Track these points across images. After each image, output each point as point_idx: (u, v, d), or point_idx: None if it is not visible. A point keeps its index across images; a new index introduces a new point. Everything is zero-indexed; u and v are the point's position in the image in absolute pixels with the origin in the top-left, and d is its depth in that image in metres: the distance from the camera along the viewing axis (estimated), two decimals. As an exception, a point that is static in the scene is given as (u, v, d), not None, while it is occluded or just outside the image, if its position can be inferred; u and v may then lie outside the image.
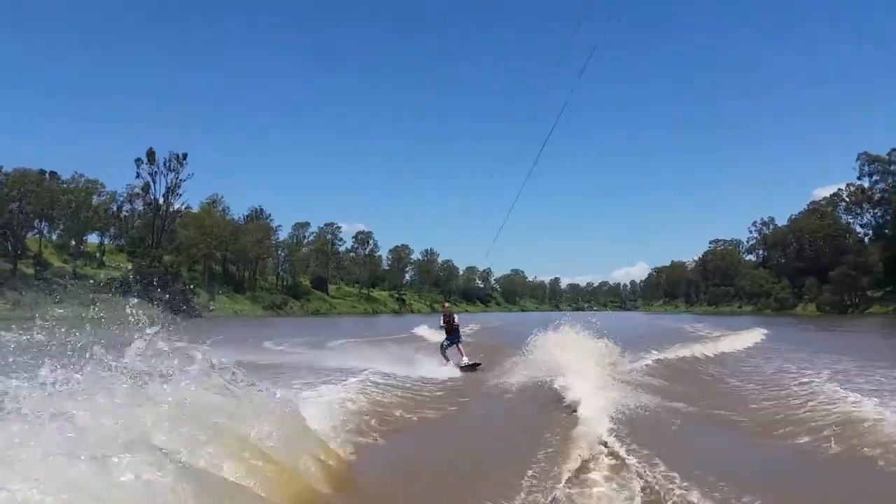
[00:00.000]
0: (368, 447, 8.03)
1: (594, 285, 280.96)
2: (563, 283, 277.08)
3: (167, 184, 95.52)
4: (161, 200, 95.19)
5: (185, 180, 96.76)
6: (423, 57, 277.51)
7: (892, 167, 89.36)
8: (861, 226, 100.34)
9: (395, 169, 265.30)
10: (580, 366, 12.53)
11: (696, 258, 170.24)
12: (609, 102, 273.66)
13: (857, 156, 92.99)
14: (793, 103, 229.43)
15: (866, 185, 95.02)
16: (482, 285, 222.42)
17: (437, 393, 13.21)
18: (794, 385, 12.88)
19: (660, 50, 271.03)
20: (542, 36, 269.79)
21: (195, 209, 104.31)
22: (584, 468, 6.56)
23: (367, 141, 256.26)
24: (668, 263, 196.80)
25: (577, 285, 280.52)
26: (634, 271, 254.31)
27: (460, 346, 19.04)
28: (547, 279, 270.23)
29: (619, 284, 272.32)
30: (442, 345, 19.43)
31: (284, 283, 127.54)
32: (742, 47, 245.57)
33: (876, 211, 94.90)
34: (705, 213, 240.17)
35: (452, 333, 19.29)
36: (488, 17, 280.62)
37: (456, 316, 19.78)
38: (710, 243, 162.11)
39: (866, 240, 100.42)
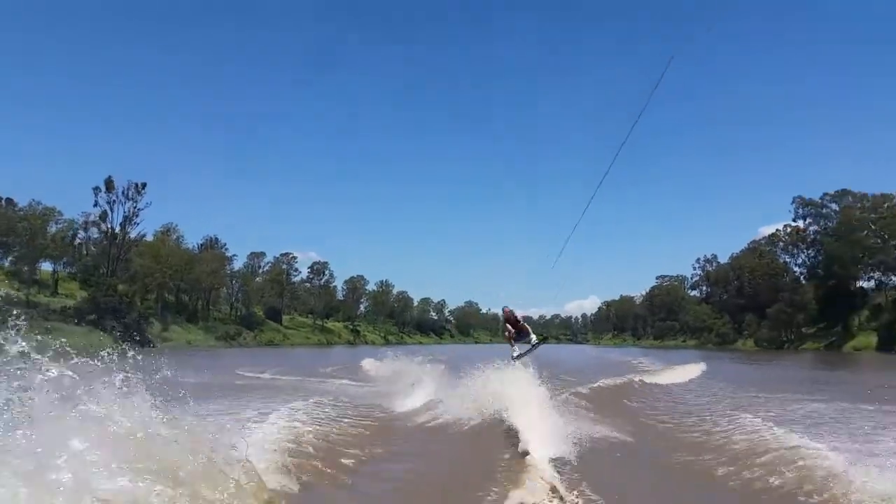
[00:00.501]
0: (305, 486, 7.98)
1: (546, 318, 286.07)
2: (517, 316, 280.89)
3: (125, 212, 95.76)
4: (118, 229, 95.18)
5: (142, 209, 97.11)
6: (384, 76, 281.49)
7: (824, 210, 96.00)
8: (797, 265, 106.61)
9: (354, 199, 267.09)
10: (523, 404, 12.31)
11: (643, 293, 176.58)
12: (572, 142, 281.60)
13: (793, 199, 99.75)
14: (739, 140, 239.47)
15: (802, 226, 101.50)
16: (436, 317, 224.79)
17: (375, 427, 13.18)
18: (729, 425, 13.31)
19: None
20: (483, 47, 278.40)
21: (151, 238, 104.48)
22: None
23: (325, 168, 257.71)
24: (618, 297, 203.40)
25: (530, 318, 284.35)
26: (587, 304, 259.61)
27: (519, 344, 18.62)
28: (500, 311, 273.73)
29: (570, 317, 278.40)
30: (513, 354, 18.63)
31: (238, 314, 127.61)
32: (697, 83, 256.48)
33: (809, 251, 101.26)
34: (656, 246, 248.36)
35: (520, 335, 18.84)
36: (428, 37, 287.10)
37: (519, 313, 19.34)
38: (656, 279, 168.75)
39: (802, 278, 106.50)
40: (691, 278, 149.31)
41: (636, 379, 26.12)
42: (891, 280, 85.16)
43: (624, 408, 18.00)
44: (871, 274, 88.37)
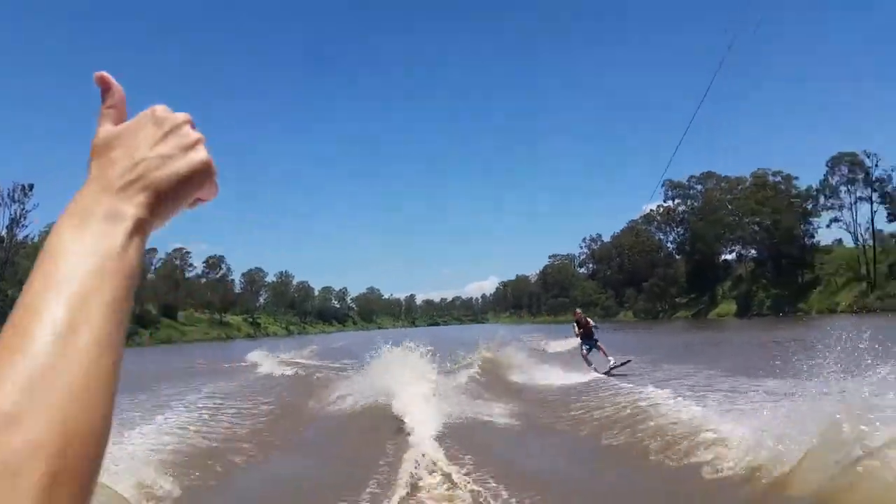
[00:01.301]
0: (191, 489, 7.88)
1: (448, 300, 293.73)
2: (419, 300, 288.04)
3: (11, 215, 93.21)
4: (4, 232, 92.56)
5: (30, 211, 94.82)
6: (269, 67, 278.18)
7: (691, 191, 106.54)
8: (670, 242, 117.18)
9: (246, 190, 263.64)
10: (409, 384, 12.76)
11: (537, 272, 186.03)
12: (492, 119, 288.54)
13: (663, 182, 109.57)
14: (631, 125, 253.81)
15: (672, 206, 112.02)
16: (338, 305, 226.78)
17: (265, 421, 13.16)
18: (596, 388, 14.83)
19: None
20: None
21: (38, 239, 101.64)
22: (416, 491, 6.98)
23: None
24: (514, 277, 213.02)
25: (433, 301, 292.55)
26: (487, 285, 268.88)
27: (601, 345, 19.71)
28: (402, 296, 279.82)
29: (471, 298, 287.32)
30: (581, 350, 20.02)
31: (133, 313, 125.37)
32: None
33: (679, 229, 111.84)
34: (551, 225, 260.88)
35: (589, 337, 19.97)
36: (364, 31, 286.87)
37: (590, 320, 20.51)
38: (549, 258, 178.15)
39: (675, 254, 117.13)
40: (579, 256, 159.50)
41: (522, 354, 26.59)
42: (749, 253, 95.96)
43: (507, 382, 18.95)
44: (732, 248, 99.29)
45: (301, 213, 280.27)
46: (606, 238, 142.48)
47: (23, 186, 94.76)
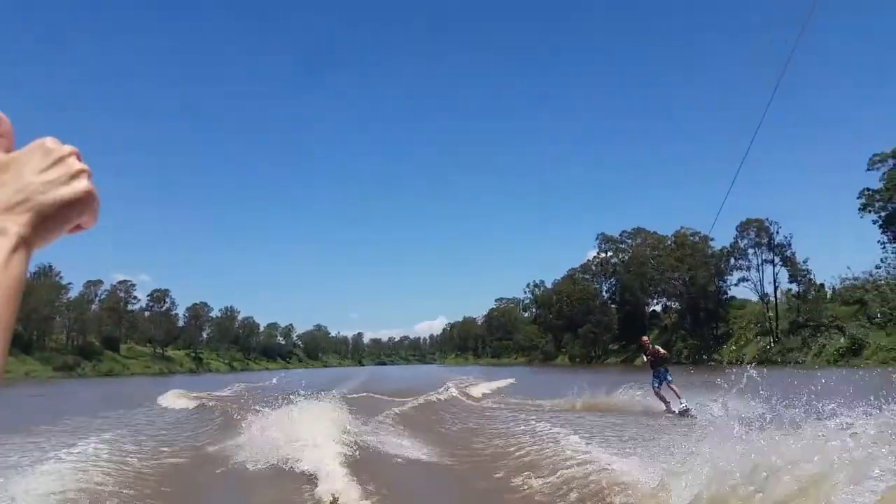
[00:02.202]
0: None
1: (395, 339, 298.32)
2: (367, 338, 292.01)
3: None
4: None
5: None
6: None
7: (622, 245, 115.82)
8: (605, 291, 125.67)
9: (191, 222, 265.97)
10: (319, 439, 11.94)
11: (484, 314, 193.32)
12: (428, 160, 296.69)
13: (597, 235, 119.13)
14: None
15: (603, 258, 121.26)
16: (283, 342, 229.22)
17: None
18: (521, 431, 14.65)
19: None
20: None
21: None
22: None
23: (164, 189, 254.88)
24: (461, 319, 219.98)
25: (380, 340, 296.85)
26: (436, 325, 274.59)
27: (672, 385, 18.15)
28: (350, 334, 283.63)
29: (419, 338, 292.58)
30: (653, 386, 18.66)
31: (75, 343, 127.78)
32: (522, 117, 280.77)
33: (612, 280, 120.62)
34: (499, 268, 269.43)
35: (657, 367, 18.64)
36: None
37: (659, 348, 19.42)
38: (495, 301, 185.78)
39: (610, 302, 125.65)
40: (523, 301, 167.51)
41: (454, 393, 29.14)
42: (674, 305, 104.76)
43: (433, 422, 18.84)
44: (658, 300, 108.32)
45: (249, 246, 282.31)
46: (549, 284, 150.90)
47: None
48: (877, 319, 64.00)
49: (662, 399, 18.19)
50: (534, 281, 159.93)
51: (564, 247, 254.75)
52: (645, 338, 20.86)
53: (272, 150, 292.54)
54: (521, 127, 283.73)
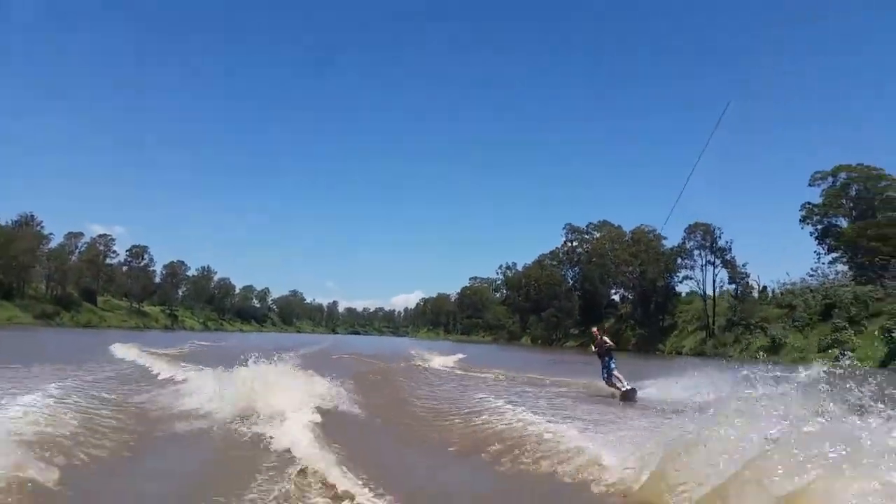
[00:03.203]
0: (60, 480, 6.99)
1: (370, 310, 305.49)
2: (342, 307, 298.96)
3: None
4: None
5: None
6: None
7: (587, 236, 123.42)
8: (571, 278, 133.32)
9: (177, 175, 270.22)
10: (284, 398, 12.17)
11: (457, 292, 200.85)
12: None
13: (564, 225, 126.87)
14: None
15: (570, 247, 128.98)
16: (258, 305, 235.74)
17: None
18: (470, 401, 15.87)
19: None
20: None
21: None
22: None
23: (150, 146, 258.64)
24: (435, 295, 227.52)
25: (355, 310, 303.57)
26: (412, 298, 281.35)
27: (616, 372, 19.10)
28: (325, 302, 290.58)
29: (394, 311, 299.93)
30: (604, 378, 19.46)
31: (54, 293, 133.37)
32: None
33: (575, 269, 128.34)
34: (478, 248, 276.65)
35: (604, 357, 19.46)
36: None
37: (607, 339, 19.95)
38: (469, 280, 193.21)
39: (574, 289, 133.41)
40: (495, 282, 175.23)
41: (414, 363, 32.87)
42: (630, 296, 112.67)
43: (388, 387, 20.61)
44: (617, 290, 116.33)
45: (230, 206, 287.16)
46: (521, 267, 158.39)
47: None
48: (796, 323, 71.81)
49: (614, 386, 18.90)
50: (506, 263, 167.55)
51: (543, 230, 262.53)
52: (595, 328, 21.72)
53: (257, 110, 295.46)
54: (514, 114, 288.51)
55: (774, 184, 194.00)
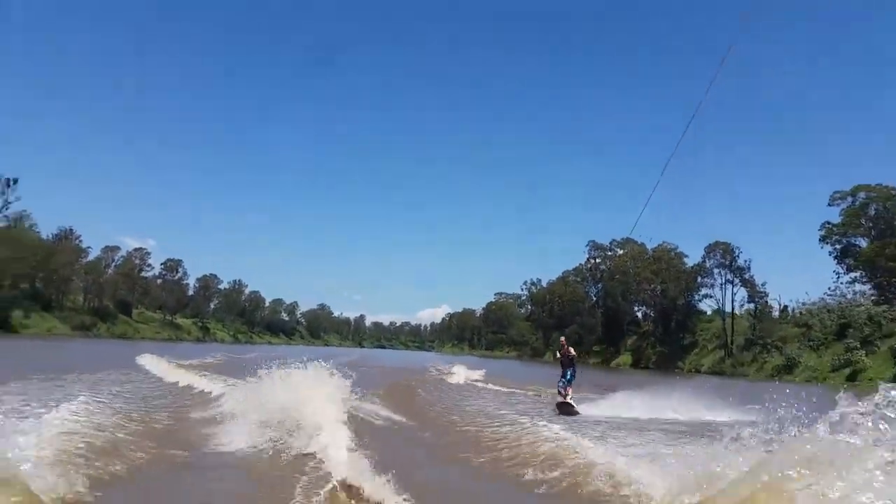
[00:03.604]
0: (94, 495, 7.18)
1: (396, 324, 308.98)
2: (368, 321, 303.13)
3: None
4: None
5: (11, 203, 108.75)
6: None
7: (610, 253, 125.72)
8: (594, 295, 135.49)
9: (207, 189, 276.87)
10: (319, 411, 11.91)
11: (483, 307, 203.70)
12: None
13: (587, 242, 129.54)
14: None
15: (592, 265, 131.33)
16: (287, 318, 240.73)
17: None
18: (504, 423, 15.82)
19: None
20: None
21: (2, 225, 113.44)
22: None
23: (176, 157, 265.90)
24: (461, 310, 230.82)
25: (381, 324, 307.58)
26: (439, 313, 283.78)
27: (569, 387, 19.92)
28: (353, 315, 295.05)
29: (420, 325, 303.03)
30: (559, 385, 20.24)
31: (91, 305, 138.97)
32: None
33: (598, 285, 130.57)
34: (504, 262, 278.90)
35: (567, 367, 20.23)
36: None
37: (571, 349, 20.75)
38: (495, 295, 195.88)
39: (597, 306, 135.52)
40: (520, 298, 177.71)
41: (440, 377, 35.33)
42: (649, 313, 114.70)
43: (411, 400, 22.01)
44: (639, 308, 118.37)
45: (261, 223, 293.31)
46: (545, 283, 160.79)
47: (7, 180, 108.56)
48: (811, 343, 73.51)
49: (561, 394, 20.01)
50: (531, 279, 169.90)
51: (568, 246, 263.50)
52: (562, 338, 22.35)
53: (287, 123, 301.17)
54: (535, 127, 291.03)
55: (796, 202, 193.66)
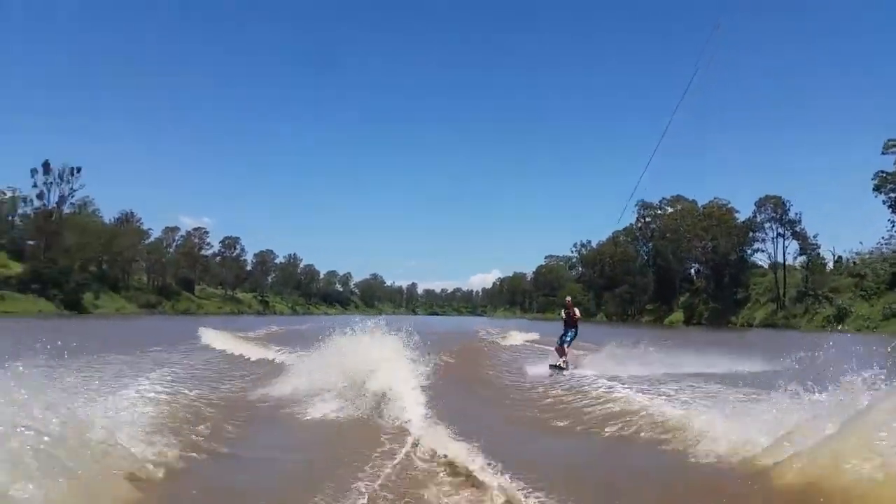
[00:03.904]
0: (186, 461, 7.68)
1: (448, 291, 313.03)
2: (420, 289, 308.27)
3: (60, 193, 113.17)
4: (55, 207, 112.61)
5: (76, 190, 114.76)
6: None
7: (660, 212, 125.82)
8: (645, 254, 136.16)
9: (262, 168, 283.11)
10: (392, 369, 12.55)
11: (533, 271, 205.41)
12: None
13: (637, 202, 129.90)
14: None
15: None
16: (342, 289, 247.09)
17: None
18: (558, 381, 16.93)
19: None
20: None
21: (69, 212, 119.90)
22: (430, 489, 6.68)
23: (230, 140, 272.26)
24: (511, 274, 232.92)
25: (433, 291, 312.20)
26: (490, 278, 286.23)
27: (568, 347, 19.76)
28: (405, 284, 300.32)
29: (471, 291, 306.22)
30: (557, 342, 20.21)
31: (155, 284, 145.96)
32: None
33: (649, 245, 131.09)
34: (554, 224, 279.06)
35: (569, 329, 19.99)
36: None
37: (576, 310, 20.36)
38: (545, 258, 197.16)
39: (648, 265, 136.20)
40: (571, 259, 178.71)
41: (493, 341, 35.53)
42: (704, 270, 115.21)
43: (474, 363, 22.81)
44: (690, 265, 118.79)
45: (312, 196, 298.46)
46: (595, 244, 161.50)
47: (72, 169, 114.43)
48: (863, 292, 73.76)
49: (560, 353, 19.84)
50: (580, 241, 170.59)
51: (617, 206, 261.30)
52: (569, 298, 22.21)
53: (336, 103, 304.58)
54: (581, 93, 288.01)
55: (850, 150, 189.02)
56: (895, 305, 65.88)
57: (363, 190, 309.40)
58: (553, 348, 20.86)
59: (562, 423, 11.17)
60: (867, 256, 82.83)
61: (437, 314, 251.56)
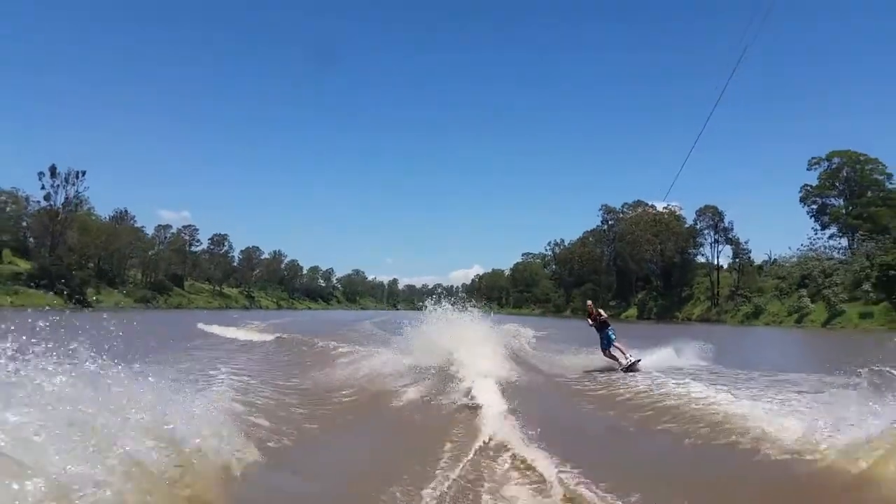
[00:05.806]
0: (264, 457, 8.03)
1: (429, 286, 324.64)
2: (401, 284, 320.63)
3: (66, 195, 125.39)
4: (61, 208, 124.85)
5: (81, 193, 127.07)
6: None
7: (621, 215, 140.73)
8: (608, 254, 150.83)
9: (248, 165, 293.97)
10: (471, 356, 13.78)
11: (510, 267, 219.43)
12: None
13: (600, 206, 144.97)
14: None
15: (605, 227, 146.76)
16: (324, 284, 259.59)
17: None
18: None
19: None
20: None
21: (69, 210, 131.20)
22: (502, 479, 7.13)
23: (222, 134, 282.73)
24: (490, 270, 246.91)
25: (414, 286, 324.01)
26: (471, 273, 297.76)
27: (617, 343, 19.84)
28: (386, 279, 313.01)
29: (451, 286, 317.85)
30: (602, 348, 20.22)
31: (149, 280, 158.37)
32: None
33: (612, 247, 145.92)
34: (534, 221, 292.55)
35: (603, 330, 20.21)
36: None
37: (602, 311, 20.60)
38: (522, 255, 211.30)
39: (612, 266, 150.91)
40: (546, 257, 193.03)
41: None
42: (655, 270, 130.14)
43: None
44: (647, 266, 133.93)
45: (294, 191, 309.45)
46: (568, 242, 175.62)
47: (77, 172, 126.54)
48: (776, 293, 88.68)
49: (613, 358, 19.60)
50: (555, 239, 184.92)
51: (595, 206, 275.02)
52: (590, 302, 22.46)
53: (314, 99, 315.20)
54: (564, 92, 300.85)
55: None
56: (797, 304, 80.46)
57: (345, 185, 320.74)
58: (605, 358, 20.16)
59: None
60: (787, 261, 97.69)
61: (419, 309, 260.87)
